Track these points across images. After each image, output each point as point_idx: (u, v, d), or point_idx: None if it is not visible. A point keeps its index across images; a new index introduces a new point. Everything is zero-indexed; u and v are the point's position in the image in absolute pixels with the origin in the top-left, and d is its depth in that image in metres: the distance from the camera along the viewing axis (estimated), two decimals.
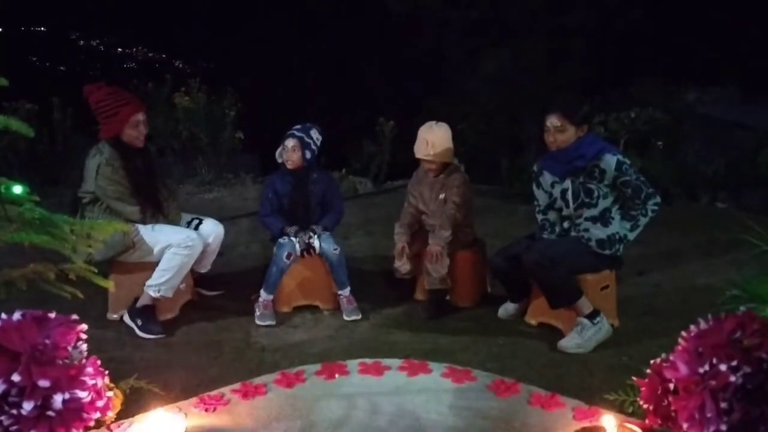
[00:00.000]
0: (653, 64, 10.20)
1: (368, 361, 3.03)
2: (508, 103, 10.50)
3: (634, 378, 2.44)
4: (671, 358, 2.11)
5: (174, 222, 3.61)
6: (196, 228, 3.67)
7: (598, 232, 3.31)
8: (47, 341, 1.94)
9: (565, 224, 3.43)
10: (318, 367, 2.97)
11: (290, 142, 3.75)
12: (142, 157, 3.54)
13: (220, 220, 3.97)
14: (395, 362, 3.02)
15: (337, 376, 2.89)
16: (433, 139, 3.74)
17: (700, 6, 10.44)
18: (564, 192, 3.38)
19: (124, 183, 3.43)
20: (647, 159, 6.60)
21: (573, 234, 3.38)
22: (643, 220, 3.31)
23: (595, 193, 3.29)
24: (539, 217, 3.55)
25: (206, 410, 2.57)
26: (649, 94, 8.54)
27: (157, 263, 3.45)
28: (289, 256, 3.68)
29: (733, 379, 1.89)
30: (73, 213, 3.45)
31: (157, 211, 3.53)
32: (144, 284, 3.46)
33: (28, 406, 1.83)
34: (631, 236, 3.34)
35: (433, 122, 3.81)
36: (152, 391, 2.64)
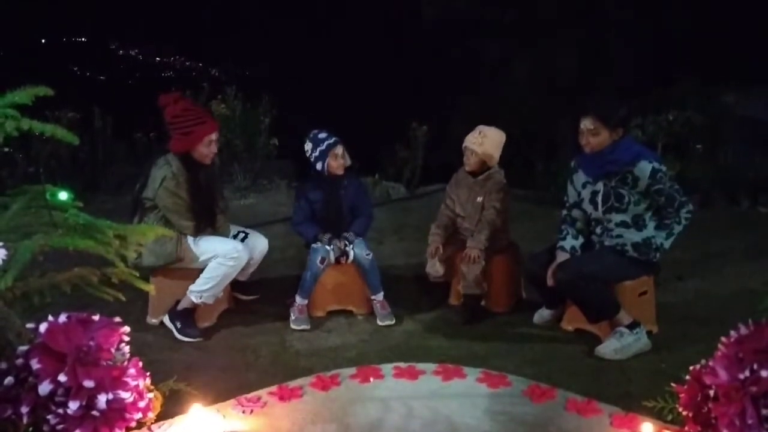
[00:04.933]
0: (691, 65, 10.01)
1: (403, 365, 3.03)
2: (543, 106, 10.42)
3: (673, 384, 2.40)
4: (711, 363, 2.07)
5: (223, 234, 3.67)
6: (242, 240, 3.74)
7: (633, 235, 3.27)
8: (92, 343, 2.00)
9: (598, 230, 3.39)
10: (353, 370, 2.99)
11: (340, 149, 3.78)
12: (205, 173, 3.60)
13: (256, 225, 4.04)
14: (430, 366, 3.02)
15: (371, 379, 2.90)
16: (487, 133, 3.79)
17: (739, 5, 10.21)
18: (595, 194, 3.34)
19: (185, 197, 3.49)
20: (686, 162, 6.48)
21: (607, 242, 3.34)
22: (677, 228, 3.26)
23: (626, 199, 3.25)
24: (563, 212, 3.54)
25: (244, 412, 2.61)
26: (687, 96, 8.38)
27: (200, 270, 3.52)
28: (322, 261, 3.71)
29: None
30: (132, 215, 3.54)
31: (209, 225, 3.59)
32: (184, 290, 3.53)
33: (73, 405, 1.89)
34: (667, 244, 3.29)
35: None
36: (191, 393, 2.69)
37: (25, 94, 2.07)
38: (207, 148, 3.53)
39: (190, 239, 3.53)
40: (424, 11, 11.00)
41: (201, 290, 3.51)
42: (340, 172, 3.82)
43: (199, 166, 3.56)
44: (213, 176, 3.73)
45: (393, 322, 3.72)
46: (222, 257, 3.50)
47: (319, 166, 3.81)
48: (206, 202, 3.59)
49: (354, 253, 3.76)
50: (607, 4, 10.14)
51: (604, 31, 10.31)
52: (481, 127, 3.83)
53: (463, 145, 3.83)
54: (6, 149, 6.11)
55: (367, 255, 3.76)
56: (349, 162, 3.86)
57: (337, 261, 3.77)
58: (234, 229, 3.84)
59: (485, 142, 3.76)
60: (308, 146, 3.82)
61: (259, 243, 3.85)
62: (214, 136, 3.55)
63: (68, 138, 2.07)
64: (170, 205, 3.48)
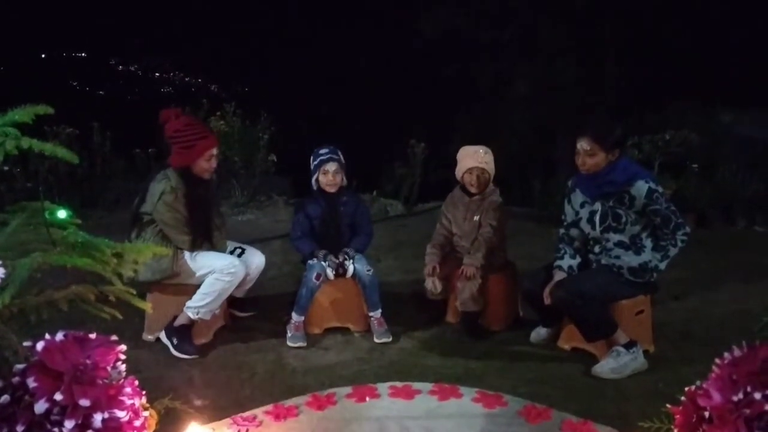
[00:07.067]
0: (689, 85, 10.08)
1: (399, 384, 3.03)
2: (540, 124, 10.48)
3: (668, 405, 2.40)
4: (705, 385, 2.07)
5: (220, 250, 3.67)
6: (239, 256, 3.74)
7: (630, 259, 3.28)
8: (88, 361, 1.99)
9: (596, 249, 3.40)
10: (349, 389, 2.99)
11: (332, 167, 3.79)
12: (204, 188, 3.62)
13: (253, 241, 4.04)
14: (426, 386, 3.02)
15: (367, 398, 2.90)
16: (484, 152, 3.85)
17: (737, 25, 10.32)
18: (592, 214, 3.36)
19: (182, 212, 3.50)
20: (683, 181, 6.51)
21: (604, 261, 3.35)
22: (672, 251, 3.27)
23: (623, 219, 3.26)
24: (561, 230, 3.55)
25: (239, 431, 2.61)
26: (684, 115, 8.45)
27: (196, 286, 3.52)
28: (318, 277, 3.71)
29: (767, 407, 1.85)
30: (130, 229, 3.55)
31: (206, 240, 3.60)
32: (181, 306, 3.53)
33: (69, 424, 1.87)
34: (662, 266, 3.30)
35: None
36: (186, 411, 2.68)
37: (26, 113, 2.07)
38: (207, 163, 3.57)
39: (187, 254, 3.54)
40: (423, 30, 11.08)
41: (198, 306, 3.51)
42: (331, 189, 3.83)
43: (198, 180, 3.58)
44: (211, 192, 3.74)
45: (390, 339, 3.71)
46: (219, 272, 3.50)
47: (312, 180, 3.85)
48: (203, 217, 3.60)
49: (355, 268, 3.76)
50: (605, 23, 10.23)
51: (603, 50, 10.39)
52: (474, 149, 3.85)
53: (467, 167, 3.83)
54: (5, 168, 6.09)
55: (368, 271, 3.77)
56: (344, 182, 3.87)
57: (337, 270, 3.76)
58: (231, 245, 3.84)
59: (490, 160, 3.82)
60: (311, 160, 3.87)
61: (256, 259, 3.85)
62: (215, 151, 3.59)
63: (68, 157, 2.07)
64: (168, 219, 3.49)
